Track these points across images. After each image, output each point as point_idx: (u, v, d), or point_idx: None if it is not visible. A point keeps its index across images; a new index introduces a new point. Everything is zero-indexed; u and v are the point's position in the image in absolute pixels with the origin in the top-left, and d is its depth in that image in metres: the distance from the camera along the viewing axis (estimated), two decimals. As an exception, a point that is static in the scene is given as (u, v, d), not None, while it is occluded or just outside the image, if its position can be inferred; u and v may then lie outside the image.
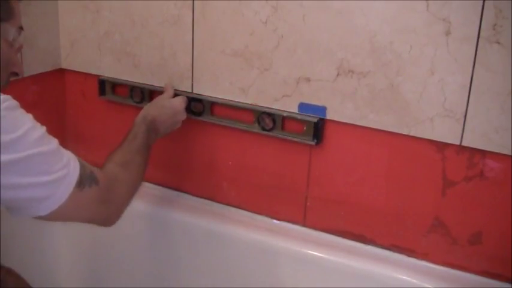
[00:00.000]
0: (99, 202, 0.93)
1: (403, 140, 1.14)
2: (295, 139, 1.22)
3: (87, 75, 1.48)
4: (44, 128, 0.85)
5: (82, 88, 1.51)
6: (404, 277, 1.16)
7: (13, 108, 0.81)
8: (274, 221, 1.34)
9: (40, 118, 1.58)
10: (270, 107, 1.24)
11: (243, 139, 1.32)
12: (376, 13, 1.08)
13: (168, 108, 1.24)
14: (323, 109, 1.19)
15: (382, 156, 1.18)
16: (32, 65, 1.39)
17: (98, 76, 1.45)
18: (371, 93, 1.13)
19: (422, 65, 1.07)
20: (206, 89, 1.31)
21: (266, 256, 1.29)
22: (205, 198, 1.42)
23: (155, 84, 1.37)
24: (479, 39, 1.01)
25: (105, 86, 1.44)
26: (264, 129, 1.25)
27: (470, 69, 1.04)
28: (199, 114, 1.32)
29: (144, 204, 1.40)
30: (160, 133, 1.22)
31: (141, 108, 1.25)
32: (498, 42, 1.00)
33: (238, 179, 1.36)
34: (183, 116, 1.28)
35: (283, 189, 1.31)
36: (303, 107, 1.21)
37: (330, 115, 1.19)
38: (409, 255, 1.21)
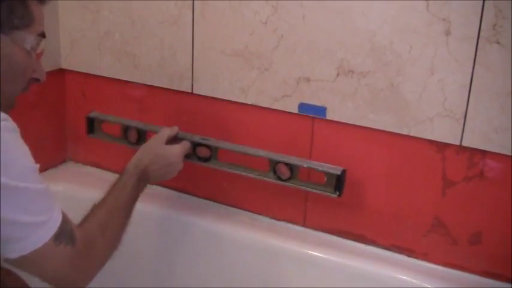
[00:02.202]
0: (70, 266, 0.86)
1: (403, 140, 1.14)
2: (317, 191, 1.15)
3: (87, 75, 1.48)
4: (36, 166, 0.81)
5: (82, 88, 1.51)
6: (404, 277, 1.16)
7: (9, 130, 0.76)
8: (274, 221, 1.34)
9: (40, 118, 1.58)
10: (270, 107, 1.24)
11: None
12: (376, 13, 1.08)
13: (162, 157, 1.13)
14: (323, 109, 1.19)
15: (382, 156, 1.18)
16: (32, 65, 1.39)
17: (98, 76, 1.45)
18: (371, 93, 1.13)
19: (422, 65, 1.07)
20: (206, 89, 1.31)
21: (266, 256, 1.28)
22: (205, 198, 1.42)
23: (155, 84, 1.37)
24: (479, 39, 1.01)
25: (94, 124, 1.34)
26: (280, 179, 1.17)
27: (470, 69, 1.04)
28: (206, 160, 1.22)
29: (144, 205, 1.39)
30: (151, 182, 1.13)
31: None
32: (498, 42, 1.00)
33: (238, 179, 1.36)
34: (180, 166, 1.17)
35: (283, 189, 1.31)
36: (303, 107, 1.21)
37: (329, 115, 1.19)
38: (409, 255, 1.21)
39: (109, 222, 0.97)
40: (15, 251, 0.79)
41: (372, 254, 1.22)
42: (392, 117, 1.13)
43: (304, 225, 1.31)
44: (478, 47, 1.02)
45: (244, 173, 1.21)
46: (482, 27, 1.01)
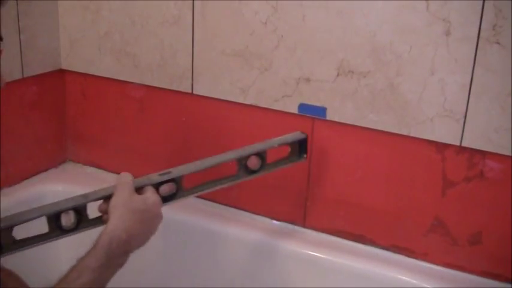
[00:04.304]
0: None
1: (403, 141, 1.14)
2: (287, 165, 1.10)
3: (87, 75, 1.48)
4: None
5: (82, 88, 1.51)
6: (403, 277, 1.16)
7: None
8: (274, 221, 1.34)
9: (40, 118, 1.58)
10: (270, 107, 1.24)
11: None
12: (376, 13, 1.08)
13: (145, 212, 0.88)
14: (323, 109, 1.19)
15: (382, 157, 1.18)
16: (32, 65, 1.39)
17: (98, 76, 1.44)
18: (371, 93, 1.13)
19: (422, 65, 1.07)
20: (206, 89, 1.31)
21: (266, 256, 1.29)
22: (205, 198, 1.42)
23: (155, 84, 1.37)
24: (479, 40, 1.01)
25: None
26: (253, 172, 1.06)
27: (470, 69, 1.04)
28: (172, 197, 0.99)
29: (144, 204, 1.40)
30: (132, 251, 0.89)
31: None
32: (498, 43, 1.00)
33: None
34: (161, 219, 0.93)
35: (283, 190, 1.31)
36: (303, 107, 1.21)
37: (330, 115, 1.19)
38: (408, 256, 1.21)
39: None
40: None
41: (371, 254, 1.22)
42: (392, 117, 1.13)
43: (304, 225, 1.31)
44: (478, 47, 1.02)
45: (215, 188, 1.04)
46: (482, 28, 1.01)
